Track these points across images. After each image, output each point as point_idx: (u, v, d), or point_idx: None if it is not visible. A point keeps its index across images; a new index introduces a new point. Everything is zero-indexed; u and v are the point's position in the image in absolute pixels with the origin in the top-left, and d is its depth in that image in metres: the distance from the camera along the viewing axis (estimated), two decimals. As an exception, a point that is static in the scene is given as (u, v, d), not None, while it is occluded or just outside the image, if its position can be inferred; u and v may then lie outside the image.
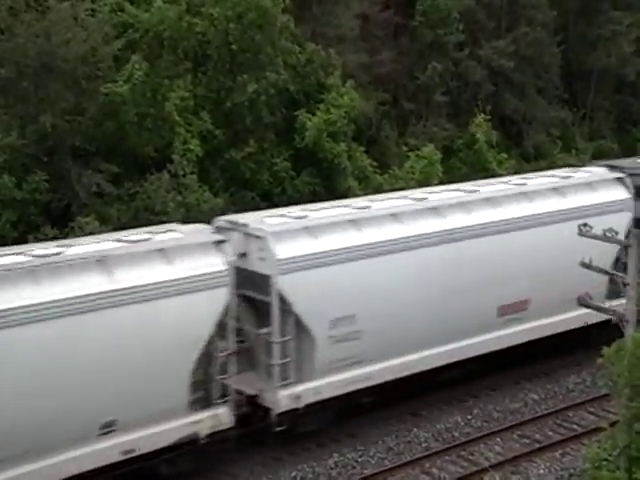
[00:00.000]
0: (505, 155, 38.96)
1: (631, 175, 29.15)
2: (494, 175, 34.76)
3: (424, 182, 34.04)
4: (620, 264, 26.24)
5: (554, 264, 26.41)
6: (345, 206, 25.11)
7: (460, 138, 39.29)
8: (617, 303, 26.75)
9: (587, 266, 20.28)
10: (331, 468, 22.64)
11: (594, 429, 23.00)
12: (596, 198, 28.04)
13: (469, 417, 25.21)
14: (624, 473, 17.90)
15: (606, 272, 20.04)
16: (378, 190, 32.16)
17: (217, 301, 21.24)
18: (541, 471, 22.68)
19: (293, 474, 22.34)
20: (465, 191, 26.76)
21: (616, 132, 45.73)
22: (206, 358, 21.23)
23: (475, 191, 26.79)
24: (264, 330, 22.43)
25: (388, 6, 40.23)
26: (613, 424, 19.56)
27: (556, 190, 27.79)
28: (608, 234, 19.63)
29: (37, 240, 25.97)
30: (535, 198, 27.16)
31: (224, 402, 21.70)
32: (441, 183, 32.90)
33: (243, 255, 22.50)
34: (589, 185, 28.52)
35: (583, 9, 44.76)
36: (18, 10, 28.62)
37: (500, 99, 41.23)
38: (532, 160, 40.83)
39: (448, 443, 23.81)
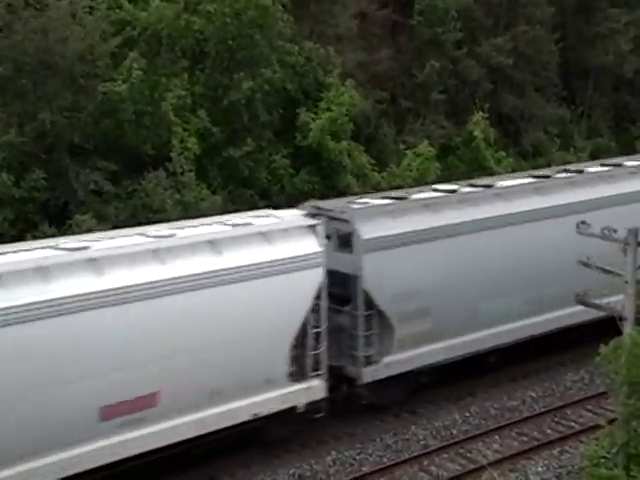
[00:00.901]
0: (503, 153, 38.97)
1: (332, 219, 23.83)
2: (492, 173, 34.81)
3: (421, 179, 34.11)
4: (313, 334, 22.70)
5: (197, 343, 20.55)
6: None
7: (458, 136, 39.30)
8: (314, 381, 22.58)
9: (586, 264, 20.24)
10: (329, 466, 22.66)
11: (592, 427, 23.04)
12: (270, 254, 21.95)
13: (467, 415, 25.24)
14: (622, 471, 17.95)
15: (605, 271, 19.98)
16: (376, 188, 32.21)
17: None
18: (539, 469, 22.69)
19: (292, 471, 22.35)
20: (67, 249, 20.00)
21: (614, 130, 45.74)
22: None
23: (80, 249, 20.04)
24: None
25: (386, 4, 40.22)
26: (611, 422, 19.61)
27: (211, 244, 21.40)
28: (606, 232, 19.65)
29: (35, 238, 25.97)
30: (168, 258, 20.57)
31: None
32: (439, 181, 32.90)
33: None
34: (264, 236, 22.22)
35: (581, 7, 44.73)
36: (16, 7, 28.59)
37: (498, 97, 41.19)
38: (530, 158, 40.85)
39: (446, 441, 23.84)
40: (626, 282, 19.16)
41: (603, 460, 18.46)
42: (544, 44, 42.26)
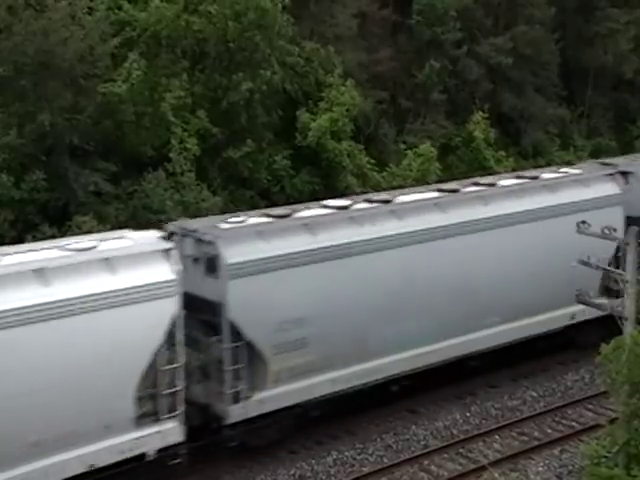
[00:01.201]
0: (503, 153, 39.00)
1: (199, 241, 21.92)
2: (491, 173, 34.82)
3: (421, 179, 34.14)
4: (168, 371, 20.09)
5: (13, 388, 18.06)
6: None
7: (458, 136, 39.33)
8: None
9: (585, 263, 20.26)
10: (330, 466, 22.65)
11: (593, 426, 23.06)
12: (111, 282, 19.51)
13: (467, 414, 25.22)
14: (623, 470, 17.98)
15: (604, 269, 20.01)
16: (376, 188, 32.24)
17: None
18: (540, 468, 22.68)
19: (292, 472, 22.35)
20: None
21: (614, 129, 45.78)
22: None
23: None
24: None
25: (386, 4, 40.28)
26: (612, 421, 19.63)
27: (38, 273, 18.87)
28: (606, 231, 19.67)
29: (35, 239, 25.98)
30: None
31: None
32: (439, 181, 32.94)
33: None
34: (107, 262, 19.75)
35: (581, 6, 44.79)
36: (16, 9, 28.59)
37: (498, 97, 41.27)
38: (530, 158, 40.89)
39: (447, 441, 23.83)
40: (626, 282, 19.17)
41: (604, 459, 18.50)
42: (544, 44, 42.34)
